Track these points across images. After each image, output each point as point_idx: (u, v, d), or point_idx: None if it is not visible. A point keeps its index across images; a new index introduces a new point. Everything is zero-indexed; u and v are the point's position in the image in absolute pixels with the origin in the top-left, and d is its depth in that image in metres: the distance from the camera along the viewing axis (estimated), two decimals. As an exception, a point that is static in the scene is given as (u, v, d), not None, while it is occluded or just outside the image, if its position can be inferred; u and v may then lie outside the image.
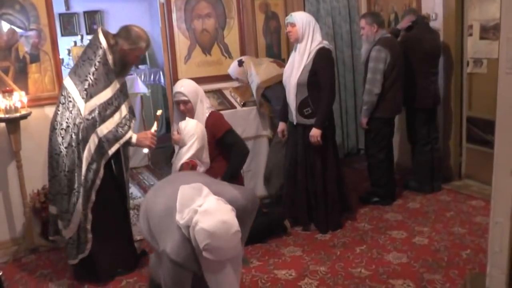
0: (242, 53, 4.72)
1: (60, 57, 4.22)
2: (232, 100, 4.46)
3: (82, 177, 2.96)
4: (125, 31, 3.12)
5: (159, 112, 3.34)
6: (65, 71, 4.88)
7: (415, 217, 3.99)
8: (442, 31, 4.54)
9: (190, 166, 2.94)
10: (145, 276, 3.17)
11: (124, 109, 3.13)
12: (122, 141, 3.07)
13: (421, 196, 4.44)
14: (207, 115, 3.33)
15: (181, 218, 2.09)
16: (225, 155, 3.39)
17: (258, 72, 4.23)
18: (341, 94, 5.44)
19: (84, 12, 7.46)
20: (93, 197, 3.02)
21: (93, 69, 3.01)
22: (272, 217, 3.83)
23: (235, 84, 4.55)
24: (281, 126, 3.97)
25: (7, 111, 3.44)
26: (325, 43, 3.65)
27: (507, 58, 1.89)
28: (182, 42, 4.49)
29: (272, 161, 4.34)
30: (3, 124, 3.56)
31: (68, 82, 3.06)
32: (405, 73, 4.20)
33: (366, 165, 4.53)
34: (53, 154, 3.05)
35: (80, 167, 2.96)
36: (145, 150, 3.34)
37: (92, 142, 2.97)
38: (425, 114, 4.41)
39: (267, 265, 3.33)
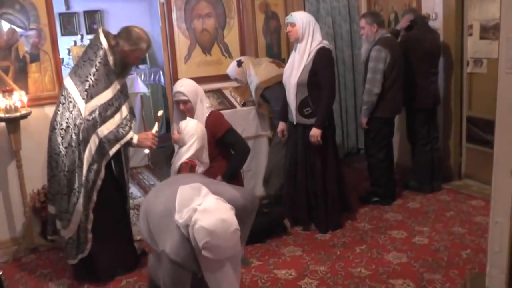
0: (242, 53, 4.72)
1: (60, 56, 4.22)
2: (232, 100, 4.46)
3: (83, 178, 2.96)
4: (126, 32, 3.11)
5: (160, 113, 3.34)
6: (65, 71, 4.88)
7: (415, 217, 3.99)
8: (442, 31, 4.54)
9: (189, 166, 2.93)
10: (145, 276, 3.17)
11: (124, 110, 3.13)
12: (123, 141, 3.07)
13: (421, 196, 4.44)
14: (207, 114, 3.33)
15: (180, 217, 2.09)
16: (225, 154, 3.39)
17: (257, 73, 4.22)
18: (341, 93, 5.44)
19: (84, 12, 7.46)
20: (94, 197, 3.03)
21: (93, 69, 3.01)
22: (272, 216, 3.84)
23: (235, 84, 4.55)
24: (281, 126, 3.97)
25: (7, 110, 3.44)
26: (325, 43, 3.65)
27: (507, 58, 1.89)
28: (182, 41, 4.49)
29: (272, 162, 4.34)
30: (3, 124, 3.56)
31: (68, 82, 3.06)
32: (405, 73, 4.20)
33: (366, 165, 4.53)
34: (52, 154, 3.05)
35: (81, 167, 2.96)
36: (146, 151, 3.35)
37: (93, 142, 2.97)
38: (425, 114, 4.41)
39: (267, 264, 3.33)
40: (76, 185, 2.98)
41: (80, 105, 2.98)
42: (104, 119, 3.00)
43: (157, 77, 7.20)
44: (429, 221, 3.89)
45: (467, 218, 3.91)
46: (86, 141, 2.96)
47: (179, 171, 2.95)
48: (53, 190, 3.10)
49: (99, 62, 3.03)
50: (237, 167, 3.43)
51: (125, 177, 3.28)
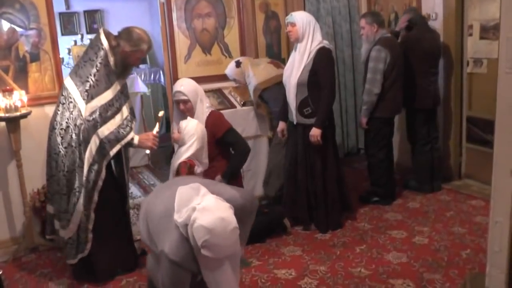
0: (242, 52, 4.72)
1: (60, 56, 4.22)
2: (232, 100, 4.46)
3: (84, 178, 2.96)
4: (127, 32, 3.11)
5: (161, 113, 3.34)
6: (65, 70, 4.89)
7: (415, 217, 3.99)
8: (442, 31, 4.54)
9: (187, 165, 2.94)
10: (145, 276, 3.17)
11: (125, 111, 3.13)
12: (123, 142, 3.06)
13: (421, 195, 4.44)
14: (207, 114, 3.32)
15: (179, 217, 2.09)
16: (225, 154, 3.40)
17: (255, 74, 4.20)
18: (341, 93, 5.44)
19: (84, 11, 7.46)
20: (95, 197, 3.03)
21: (94, 70, 3.01)
22: (272, 216, 3.84)
23: (235, 83, 4.55)
24: (281, 125, 3.97)
25: (7, 110, 3.44)
26: (325, 43, 3.65)
27: (506, 58, 1.88)
28: (182, 41, 4.49)
29: (273, 162, 4.33)
30: (3, 123, 3.56)
31: (69, 82, 3.06)
32: (404, 73, 4.20)
33: (366, 165, 4.53)
34: (52, 154, 3.05)
35: (82, 167, 2.96)
36: (147, 151, 3.35)
37: (93, 143, 2.97)
38: (425, 114, 4.41)
39: (267, 264, 3.33)
40: (75, 185, 2.98)
41: (80, 105, 2.98)
42: (104, 119, 3.00)
43: (157, 76, 7.20)
44: (429, 221, 3.89)
45: (467, 218, 3.91)
46: (86, 141, 2.96)
47: (178, 170, 2.95)
48: (52, 190, 3.10)
49: (100, 63, 3.02)
50: (237, 167, 3.43)
51: (125, 177, 3.29)
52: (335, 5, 5.36)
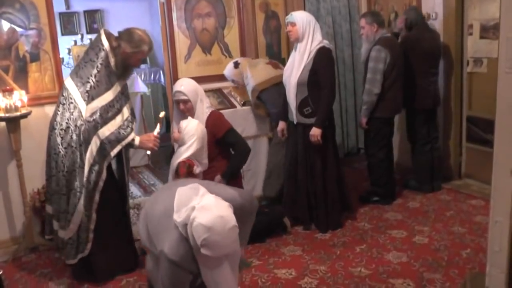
0: (242, 52, 4.71)
1: (60, 56, 4.22)
2: (232, 99, 4.45)
3: (84, 179, 2.96)
4: (128, 34, 3.11)
5: (161, 114, 3.33)
6: (65, 70, 4.89)
7: (415, 217, 3.99)
8: (442, 31, 4.54)
9: (186, 165, 2.94)
10: (145, 276, 3.17)
11: (126, 111, 3.13)
12: (124, 142, 3.06)
13: (421, 195, 4.44)
14: (207, 114, 3.32)
15: (178, 217, 2.09)
16: (225, 154, 3.39)
17: (253, 75, 4.19)
18: (341, 93, 5.44)
19: (84, 11, 7.47)
20: (96, 198, 3.03)
21: (95, 71, 3.01)
22: (272, 216, 3.84)
23: (233, 84, 4.54)
24: (281, 125, 3.97)
25: (7, 110, 3.44)
26: (325, 43, 3.65)
27: (506, 57, 1.88)
28: (182, 41, 4.49)
29: (272, 162, 4.33)
30: (3, 123, 3.56)
31: (69, 83, 3.05)
32: (405, 73, 4.20)
33: (366, 165, 4.53)
34: (51, 154, 3.05)
35: (82, 168, 2.96)
36: (148, 152, 3.35)
37: (94, 144, 2.97)
38: (425, 115, 4.41)
39: (267, 264, 3.33)
40: (75, 186, 2.98)
41: (81, 106, 2.97)
42: (105, 120, 3.00)
43: (157, 76, 7.20)
44: (429, 220, 3.90)
45: (467, 217, 3.91)
46: (87, 142, 2.96)
47: (177, 170, 2.95)
48: (51, 190, 3.10)
49: (101, 64, 3.02)
50: (237, 167, 3.43)
51: (126, 177, 3.29)
52: (335, 5, 5.36)
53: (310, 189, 3.78)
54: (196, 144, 2.99)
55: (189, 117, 3.18)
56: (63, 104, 3.03)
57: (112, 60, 3.07)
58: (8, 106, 3.43)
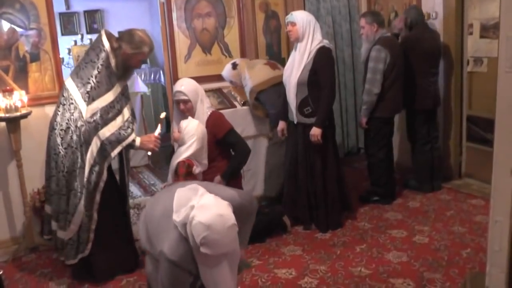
0: (242, 52, 4.71)
1: (60, 56, 4.22)
2: (232, 99, 4.45)
3: (85, 179, 2.96)
4: (129, 35, 3.11)
5: (162, 115, 3.33)
6: (65, 70, 4.89)
7: (415, 216, 3.99)
8: (442, 30, 4.53)
9: (186, 165, 2.94)
10: (145, 276, 3.17)
11: (126, 112, 3.13)
12: (125, 143, 3.06)
13: (421, 195, 4.44)
14: (207, 115, 3.32)
15: (177, 216, 2.10)
16: (225, 155, 3.39)
17: (251, 76, 4.17)
18: (341, 93, 5.44)
19: (84, 11, 7.46)
20: (97, 198, 3.03)
21: (95, 72, 3.01)
22: (272, 215, 3.83)
23: (231, 85, 4.53)
24: (281, 125, 3.97)
25: (7, 110, 3.44)
26: (325, 42, 3.65)
27: (506, 57, 1.88)
28: (182, 41, 4.49)
29: (271, 162, 4.32)
30: (3, 124, 3.56)
31: (69, 83, 3.05)
32: (405, 73, 4.20)
33: (366, 165, 4.53)
34: (51, 154, 3.05)
35: (83, 168, 2.96)
36: (148, 152, 3.35)
37: (94, 144, 2.97)
38: (425, 115, 4.41)
39: (267, 264, 3.33)
40: (76, 186, 2.98)
41: (81, 107, 2.97)
42: (105, 121, 3.00)
43: (157, 76, 7.20)
44: (429, 220, 3.89)
45: (467, 217, 3.91)
46: (87, 143, 2.96)
47: (176, 169, 2.95)
48: (51, 190, 3.10)
49: (101, 65, 3.02)
50: (237, 167, 3.43)
51: (126, 178, 3.29)
52: (335, 5, 5.36)
53: (310, 189, 3.78)
54: (196, 144, 2.99)
55: (189, 117, 3.18)
56: (64, 104, 3.03)
57: (112, 61, 3.07)
58: (8, 106, 3.44)
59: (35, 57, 3.77)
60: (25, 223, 3.75)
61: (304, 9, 4.89)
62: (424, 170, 4.50)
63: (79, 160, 2.96)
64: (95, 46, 3.10)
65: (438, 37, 4.46)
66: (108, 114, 3.01)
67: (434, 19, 4.58)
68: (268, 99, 4.13)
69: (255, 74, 4.20)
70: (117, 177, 3.32)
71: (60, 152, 2.99)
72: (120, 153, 3.10)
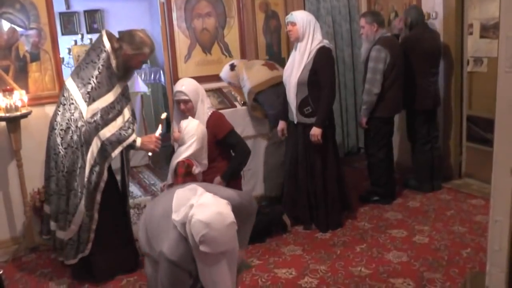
0: (242, 52, 4.72)
1: (61, 56, 4.22)
2: (232, 99, 4.45)
3: (85, 179, 2.96)
4: (129, 35, 3.11)
5: (163, 116, 3.32)
6: (65, 70, 4.89)
7: (415, 216, 3.99)
8: (442, 30, 4.53)
9: (185, 164, 2.94)
10: (145, 276, 3.17)
11: (126, 113, 3.13)
12: (125, 143, 3.06)
13: (421, 195, 4.44)
14: (208, 115, 3.31)
15: (177, 216, 2.10)
16: (225, 155, 3.39)
17: (249, 77, 4.17)
18: (341, 93, 5.44)
19: (85, 11, 7.45)
20: (98, 198, 3.02)
21: (96, 72, 3.01)
22: (272, 215, 3.83)
23: (230, 86, 4.53)
24: (281, 125, 3.97)
25: (7, 110, 3.44)
26: (326, 42, 3.65)
27: (506, 56, 1.88)
28: (182, 41, 4.49)
29: (270, 162, 4.32)
30: (3, 123, 3.56)
31: (70, 83, 3.05)
32: (405, 73, 4.20)
33: (366, 164, 4.53)
34: (51, 154, 3.05)
35: (83, 168, 2.96)
36: (149, 153, 3.35)
37: (95, 145, 2.97)
38: (425, 115, 4.41)
39: (267, 264, 3.34)
40: (75, 186, 2.98)
41: (82, 107, 2.97)
42: (106, 122, 3.00)
43: (157, 76, 7.20)
44: (429, 220, 3.90)
45: (467, 217, 3.91)
46: (88, 143, 2.96)
47: (176, 169, 2.95)
48: (50, 190, 3.10)
49: (102, 65, 3.02)
50: (237, 168, 3.43)
51: (126, 178, 3.29)
52: (335, 5, 5.36)
53: (310, 188, 3.78)
54: (195, 144, 2.99)
55: (190, 117, 3.18)
56: (64, 104, 3.03)
57: (113, 62, 3.07)
58: (8, 106, 3.44)
59: (35, 57, 3.77)
60: (25, 223, 3.76)
61: (304, 9, 4.90)
62: (424, 170, 4.50)
63: (80, 160, 2.96)
64: (96, 46, 3.10)
65: (438, 37, 4.46)
66: (108, 115, 3.01)
67: (434, 19, 4.58)
68: (267, 99, 4.13)
69: (253, 75, 4.19)
70: (118, 177, 3.32)
71: (60, 152, 2.99)
72: (120, 153, 3.10)
